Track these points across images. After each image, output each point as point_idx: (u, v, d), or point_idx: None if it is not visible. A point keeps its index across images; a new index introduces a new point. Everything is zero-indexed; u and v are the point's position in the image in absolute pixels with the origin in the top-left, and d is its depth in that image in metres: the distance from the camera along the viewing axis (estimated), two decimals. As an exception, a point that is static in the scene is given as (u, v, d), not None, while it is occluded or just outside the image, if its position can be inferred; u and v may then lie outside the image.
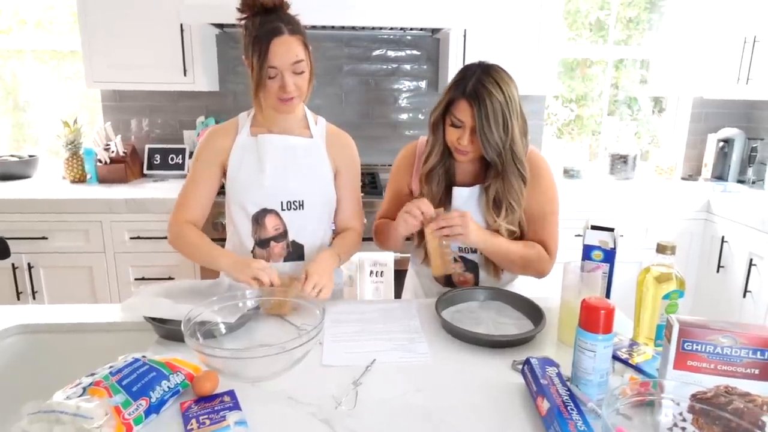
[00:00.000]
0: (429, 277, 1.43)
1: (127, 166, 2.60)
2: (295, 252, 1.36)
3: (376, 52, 2.78)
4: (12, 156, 2.69)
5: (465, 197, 1.32)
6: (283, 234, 1.35)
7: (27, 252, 2.26)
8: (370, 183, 2.54)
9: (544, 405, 0.78)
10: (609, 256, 1.09)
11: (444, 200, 1.33)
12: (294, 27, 1.22)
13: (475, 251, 1.35)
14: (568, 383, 0.83)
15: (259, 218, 1.33)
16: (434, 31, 2.59)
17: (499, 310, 1.20)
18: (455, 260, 1.35)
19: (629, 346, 0.98)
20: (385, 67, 2.80)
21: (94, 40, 2.35)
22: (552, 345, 1.08)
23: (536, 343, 1.07)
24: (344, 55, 2.77)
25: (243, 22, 1.24)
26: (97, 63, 2.38)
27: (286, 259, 1.36)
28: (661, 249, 0.98)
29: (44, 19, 2.78)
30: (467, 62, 2.45)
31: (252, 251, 1.35)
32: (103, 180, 2.57)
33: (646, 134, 3.16)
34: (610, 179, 2.87)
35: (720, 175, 2.82)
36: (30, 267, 2.27)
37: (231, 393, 0.85)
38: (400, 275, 2.34)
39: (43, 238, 2.25)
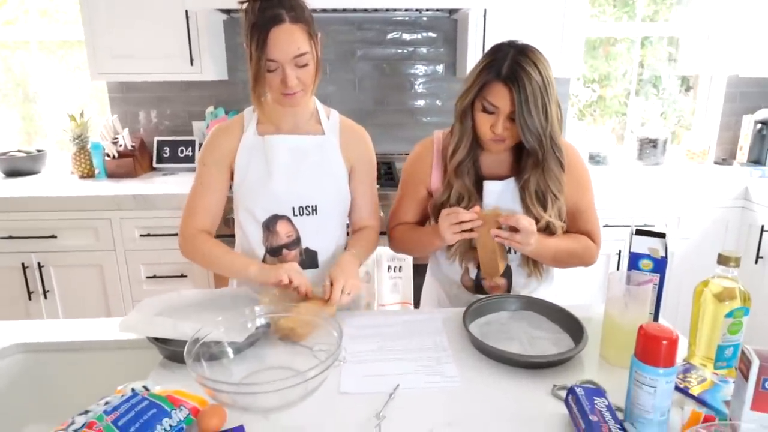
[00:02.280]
0: (456, 285, 1.32)
1: (136, 160, 2.52)
2: (309, 259, 1.27)
3: (391, 35, 2.65)
4: (20, 151, 2.63)
5: (498, 191, 1.22)
6: (296, 241, 1.25)
7: (36, 251, 2.21)
8: (386, 173, 2.43)
9: (596, 448, 0.68)
10: (659, 265, 0.97)
11: (475, 195, 1.22)
12: (297, 14, 1.10)
13: (509, 251, 1.25)
14: (620, 419, 0.72)
15: (269, 225, 1.24)
16: (452, 11, 2.45)
17: (532, 321, 1.10)
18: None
19: (684, 370, 0.87)
20: (400, 50, 2.67)
21: (97, 31, 2.26)
22: (594, 363, 0.97)
23: (576, 362, 0.96)
24: (357, 38, 2.64)
25: (244, 6, 1.12)
26: (101, 54, 2.29)
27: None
28: (723, 260, 0.86)
29: (50, 8, 2.70)
30: (487, 44, 2.34)
31: (263, 260, 1.26)
32: (111, 175, 2.50)
33: (673, 114, 2.99)
34: (638, 165, 2.72)
35: (757, 159, 2.65)
36: (40, 266, 2.22)
37: (240, 429, 0.77)
38: (419, 270, 2.25)
39: (52, 236, 2.20)
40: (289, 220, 1.24)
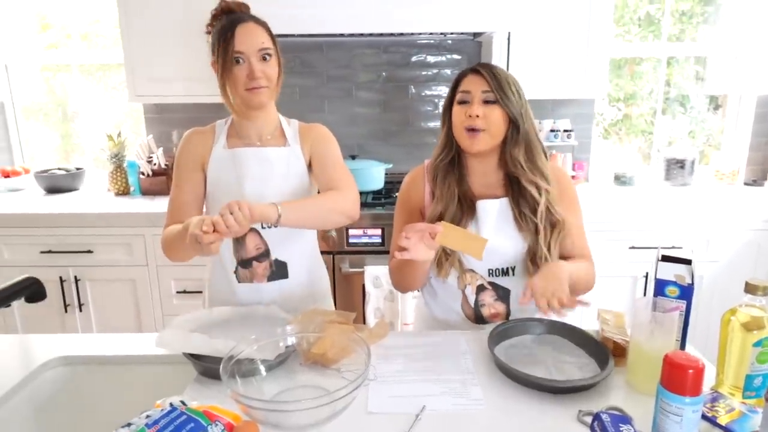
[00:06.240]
0: (456, 313, 1.30)
1: (169, 178, 2.61)
2: (279, 271, 1.32)
3: (415, 58, 2.70)
4: (60, 169, 2.75)
5: (493, 211, 1.22)
6: (265, 253, 1.30)
7: (74, 265, 2.30)
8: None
9: (621, 475, 0.68)
10: (686, 293, 0.97)
11: (466, 217, 1.23)
12: (259, 20, 1.23)
13: (507, 273, 1.24)
14: (646, 447, 0.73)
15: (239, 237, 1.28)
16: (476, 34, 2.49)
17: (557, 345, 1.10)
18: (484, 287, 1.26)
19: (712, 399, 0.87)
20: (424, 72, 2.72)
21: (135, 55, 2.36)
22: (620, 389, 0.97)
23: (602, 388, 0.96)
24: (383, 61, 2.70)
25: (210, 29, 1.24)
26: (139, 77, 2.39)
27: (269, 279, 1.32)
28: (751, 289, 0.86)
29: (90, 32, 2.84)
30: (511, 66, 2.37)
31: (235, 272, 1.32)
32: (146, 192, 2.60)
33: (701, 134, 2.96)
34: (665, 185, 2.70)
35: (789, 181, 2.61)
36: (77, 280, 2.31)
37: (272, 446, 0.80)
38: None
39: (89, 251, 2.28)
40: (257, 232, 1.28)
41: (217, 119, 1.38)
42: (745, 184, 2.71)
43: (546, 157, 1.24)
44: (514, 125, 1.20)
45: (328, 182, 1.31)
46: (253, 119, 1.29)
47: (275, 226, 1.25)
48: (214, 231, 1.03)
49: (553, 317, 1.11)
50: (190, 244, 1.05)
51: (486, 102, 1.17)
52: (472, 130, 1.17)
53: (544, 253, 1.20)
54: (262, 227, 1.28)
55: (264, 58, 1.20)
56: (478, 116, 1.16)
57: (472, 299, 1.27)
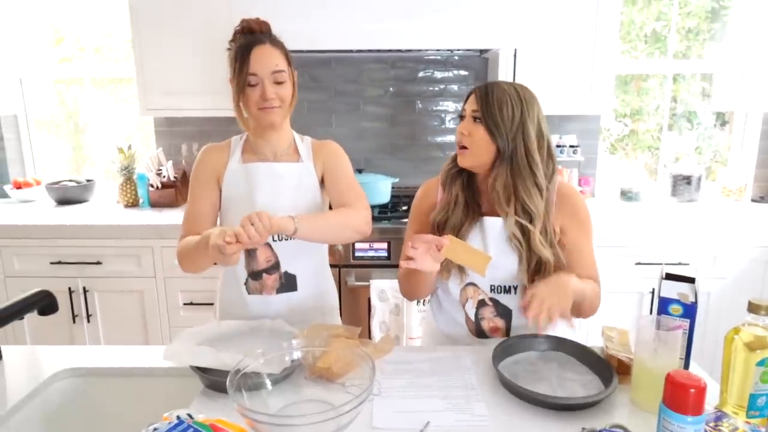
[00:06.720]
0: (461, 326, 1.31)
1: (178, 191, 2.65)
2: (288, 283, 1.34)
3: (422, 73, 2.73)
4: (71, 181, 2.79)
5: (500, 229, 1.23)
6: (276, 265, 1.33)
7: (83, 276, 2.32)
8: (417, 207, 2.48)
9: (624, 494, 0.69)
10: (689, 311, 0.98)
11: (469, 225, 1.25)
12: (276, 41, 1.27)
13: (509, 291, 1.26)
14: (649, 466, 0.73)
15: (250, 250, 1.31)
16: (483, 51, 2.52)
17: (562, 362, 1.11)
18: (485, 303, 1.27)
19: (716, 418, 0.87)
20: (431, 88, 2.75)
21: (147, 69, 2.41)
22: (624, 407, 0.97)
23: (606, 405, 0.97)
24: (390, 76, 2.73)
25: (231, 46, 1.27)
26: (150, 91, 2.43)
27: (278, 291, 1.34)
28: (753, 308, 0.86)
29: (103, 46, 2.89)
30: (517, 81, 2.39)
31: (245, 283, 1.34)
32: (154, 204, 2.63)
33: (708, 149, 2.96)
34: (672, 201, 2.70)
35: (796, 197, 2.60)
36: (85, 291, 2.33)
37: (277, 460, 0.81)
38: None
39: (98, 263, 2.31)
40: (268, 245, 1.31)
41: (227, 133, 1.42)
42: (752, 200, 2.71)
43: (541, 195, 1.20)
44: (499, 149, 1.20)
45: (340, 198, 1.34)
46: (267, 137, 1.33)
47: (290, 238, 1.27)
48: (236, 242, 1.06)
49: (548, 330, 1.11)
50: (212, 254, 1.09)
51: (475, 119, 1.21)
52: (461, 146, 1.24)
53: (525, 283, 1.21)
54: (273, 240, 1.31)
55: (278, 80, 1.24)
56: (463, 134, 1.22)
57: (472, 313, 1.28)
